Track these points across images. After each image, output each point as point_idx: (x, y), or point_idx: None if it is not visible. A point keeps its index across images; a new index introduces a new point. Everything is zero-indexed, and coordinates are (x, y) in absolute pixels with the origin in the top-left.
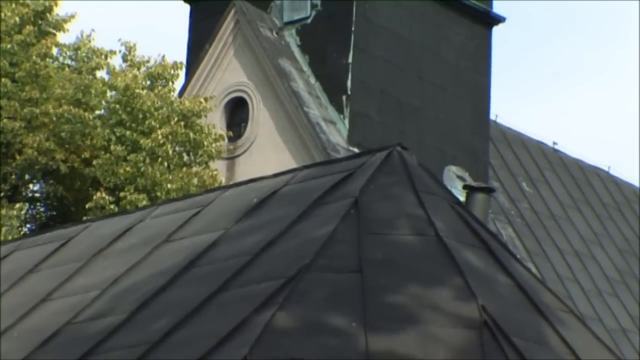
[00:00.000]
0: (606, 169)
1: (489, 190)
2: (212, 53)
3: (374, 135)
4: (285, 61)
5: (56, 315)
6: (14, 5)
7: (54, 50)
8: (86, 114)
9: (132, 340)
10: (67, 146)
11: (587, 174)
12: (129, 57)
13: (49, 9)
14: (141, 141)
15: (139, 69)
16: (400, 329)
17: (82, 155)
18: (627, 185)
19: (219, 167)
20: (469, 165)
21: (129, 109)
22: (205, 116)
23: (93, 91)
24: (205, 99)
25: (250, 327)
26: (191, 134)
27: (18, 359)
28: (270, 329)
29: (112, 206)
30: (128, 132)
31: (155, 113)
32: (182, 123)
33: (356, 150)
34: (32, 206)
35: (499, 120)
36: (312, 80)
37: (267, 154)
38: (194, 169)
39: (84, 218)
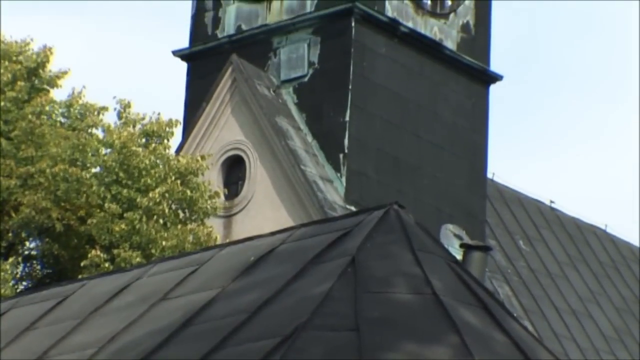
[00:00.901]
0: (603, 227)
1: (486, 249)
2: (209, 111)
3: (371, 193)
4: (283, 119)
5: None
6: (6, 62)
7: (48, 107)
8: (82, 172)
9: None
10: (62, 204)
11: (584, 232)
12: (124, 114)
13: (42, 66)
14: (137, 199)
15: (134, 126)
16: None
17: (78, 213)
18: (625, 243)
19: (215, 225)
20: (466, 224)
21: (125, 166)
22: (202, 174)
23: (89, 149)
24: (202, 157)
25: None
26: (187, 192)
27: None
28: None
29: (106, 264)
30: (124, 190)
31: (152, 171)
32: (179, 181)
33: (353, 208)
34: (28, 264)
35: (496, 179)
36: (309, 138)
37: (264, 212)
38: (190, 227)
39: (80, 276)
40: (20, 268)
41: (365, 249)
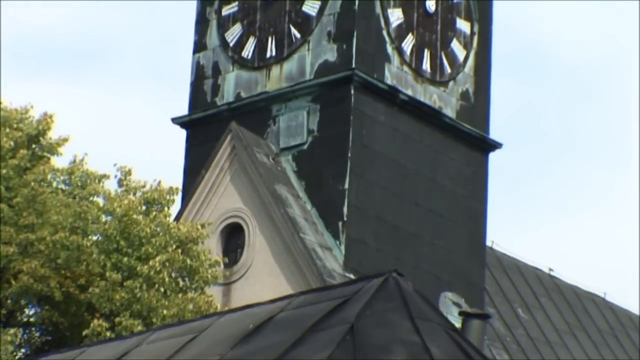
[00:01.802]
0: (602, 294)
1: (485, 317)
2: (209, 178)
3: (370, 261)
4: (282, 187)
5: None
6: (7, 130)
7: (49, 175)
8: (83, 240)
9: None
10: (62, 272)
11: (583, 299)
12: (124, 182)
13: (43, 133)
14: (138, 267)
15: (134, 193)
16: None
17: (78, 281)
18: (623, 311)
19: (215, 293)
20: (465, 291)
21: (125, 235)
22: (202, 242)
23: (89, 217)
24: (202, 225)
25: None
26: (188, 261)
27: None
28: None
29: (107, 332)
30: (125, 259)
31: (153, 240)
32: (179, 249)
33: (352, 276)
34: (27, 330)
35: (495, 246)
36: (309, 206)
37: (263, 279)
38: (190, 295)
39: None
40: (20, 334)
41: (364, 316)
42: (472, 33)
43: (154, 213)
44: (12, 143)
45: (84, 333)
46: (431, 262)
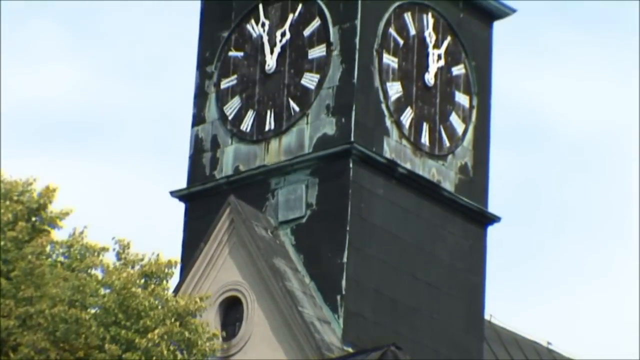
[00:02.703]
0: None
1: None
2: (207, 251)
3: (368, 334)
4: (280, 261)
5: None
6: (7, 202)
7: (48, 248)
8: (82, 313)
9: None
10: (61, 345)
11: None
12: (122, 255)
13: (44, 206)
14: (136, 340)
15: (133, 266)
16: None
17: (77, 354)
18: None
19: None
20: None
21: (124, 308)
22: (200, 315)
23: (88, 290)
24: (201, 298)
25: None
26: (186, 333)
27: None
28: None
29: None
30: (123, 332)
31: (151, 313)
32: (178, 322)
33: (351, 349)
34: None
35: (493, 320)
36: (307, 279)
37: (261, 353)
38: None
39: None
40: None
41: None
42: (471, 106)
43: (153, 286)
44: (10, 216)
45: None
46: (429, 336)
